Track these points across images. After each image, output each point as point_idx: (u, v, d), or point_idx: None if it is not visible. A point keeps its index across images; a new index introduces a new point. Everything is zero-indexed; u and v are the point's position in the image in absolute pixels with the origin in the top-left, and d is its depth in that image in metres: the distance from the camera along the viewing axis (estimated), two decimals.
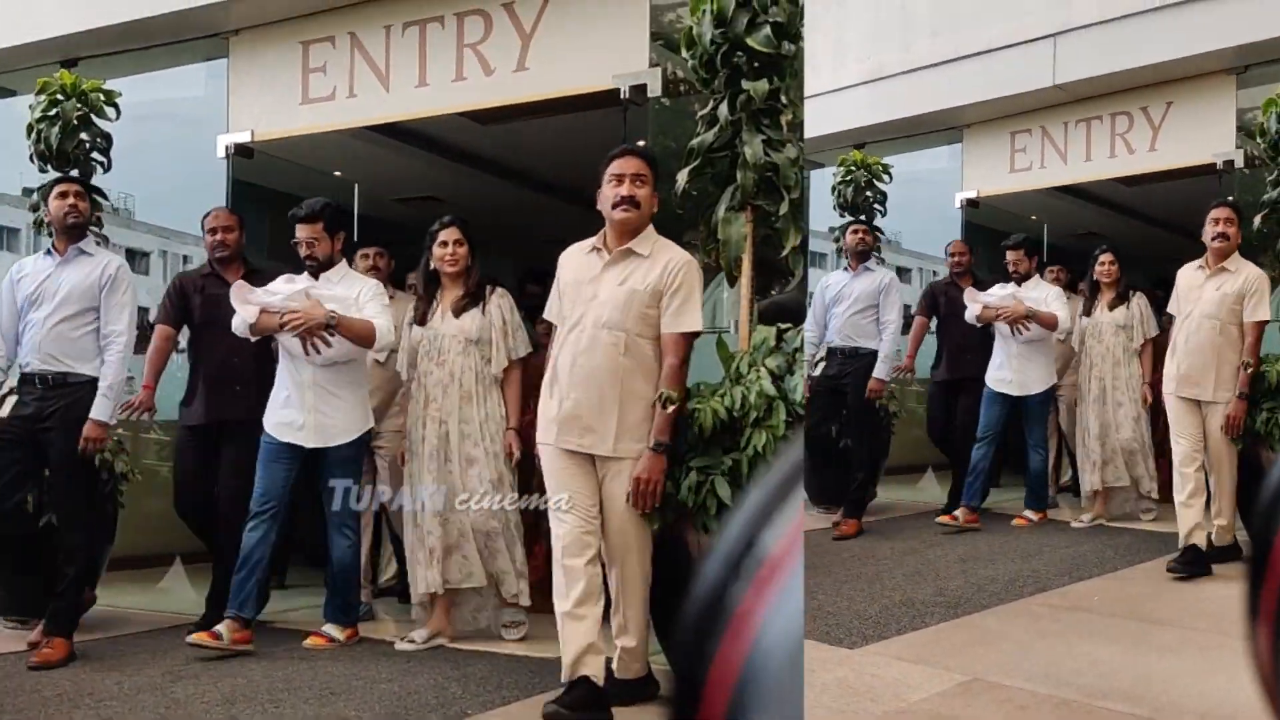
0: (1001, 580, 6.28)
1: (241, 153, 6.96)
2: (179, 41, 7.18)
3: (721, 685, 1.06)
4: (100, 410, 5.47)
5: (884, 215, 9.81)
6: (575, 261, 4.60)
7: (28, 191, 7.22)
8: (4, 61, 7.55)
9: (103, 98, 6.87)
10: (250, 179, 7.03)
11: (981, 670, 4.47)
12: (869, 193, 9.91)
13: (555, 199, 7.70)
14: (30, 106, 6.89)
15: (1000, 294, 8.29)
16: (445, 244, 5.67)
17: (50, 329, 5.50)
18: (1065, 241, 10.97)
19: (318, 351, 5.46)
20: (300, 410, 5.57)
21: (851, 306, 8.32)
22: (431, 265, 5.72)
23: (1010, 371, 8.41)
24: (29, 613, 5.93)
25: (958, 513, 8.31)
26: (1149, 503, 8.56)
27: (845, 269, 8.60)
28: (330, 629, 5.71)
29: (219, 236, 6.01)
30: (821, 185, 9.99)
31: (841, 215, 9.85)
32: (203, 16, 6.86)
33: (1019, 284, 8.44)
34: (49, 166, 6.78)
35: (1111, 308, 8.55)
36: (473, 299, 5.66)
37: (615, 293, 4.41)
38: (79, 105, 6.77)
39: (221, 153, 7.00)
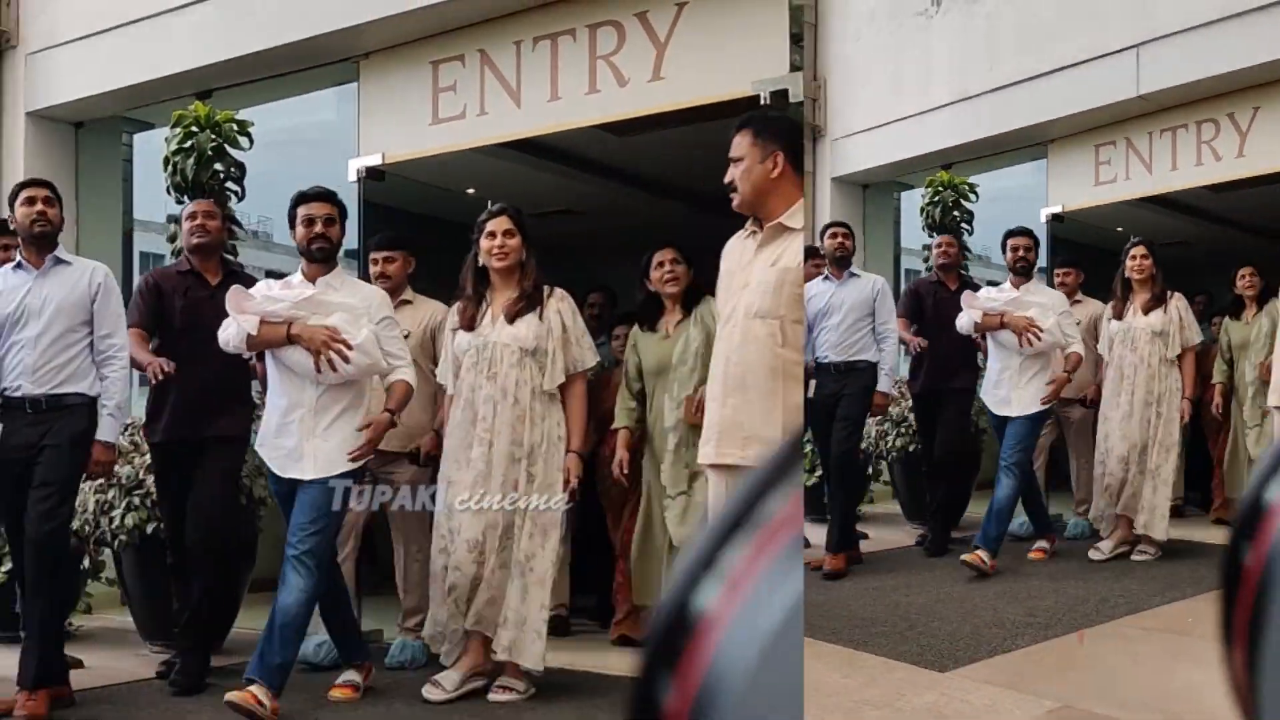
0: (1093, 600, 6.04)
1: (373, 175, 6.92)
2: (310, 68, 7.19)
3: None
4: (108, 431, 4.98)
5: (971, 234, 9.84)
6: (732, 250, 4.14)
7: (172, 219, 7.30)
8: (143, 95, 7.63)
9: (236, 128, 6.85)
10: (382, 201, 6.99)
11: (1073, 696, 4.33)
12: (956, 212, 9.94)
13: (694, 209, 7.62)
14: (166, 140, 6.89)
15: (1000, 298, 7.20)
16: (493, 235, 5.02)
17: (42, 349, 4.90)
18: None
19: (333, 369, 4.64)
20: (299, 437, 4.75)
21: (845, 318, 7.41)
22: (480, 261, 5.09)
23: (1007, 389, 7.20)
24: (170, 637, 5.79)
25: (983, 555, 6.88)
26: (1148, 544, 7.36)
27: (826, 278, 7.61)
28: (351, 675, 5.13)
29: (199, 221, 5.46)
30: (911, 205, 10.03)
31: (930, 235, 9.88)
32: (333, 42, 6.86)
33: (1022, 276, 7.31)
34: (185, 198, 6.69)
35: (1146, 311, 7.44)
36: (529, 302, 4.99)
37: (767, 275, 3.93)
38: (213, 136, 6.75)
39: (353, 176, 6.94)
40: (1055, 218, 10.37)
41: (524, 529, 4.87)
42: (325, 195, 5.04)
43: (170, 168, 6.82)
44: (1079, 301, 8.27)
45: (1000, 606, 5.75)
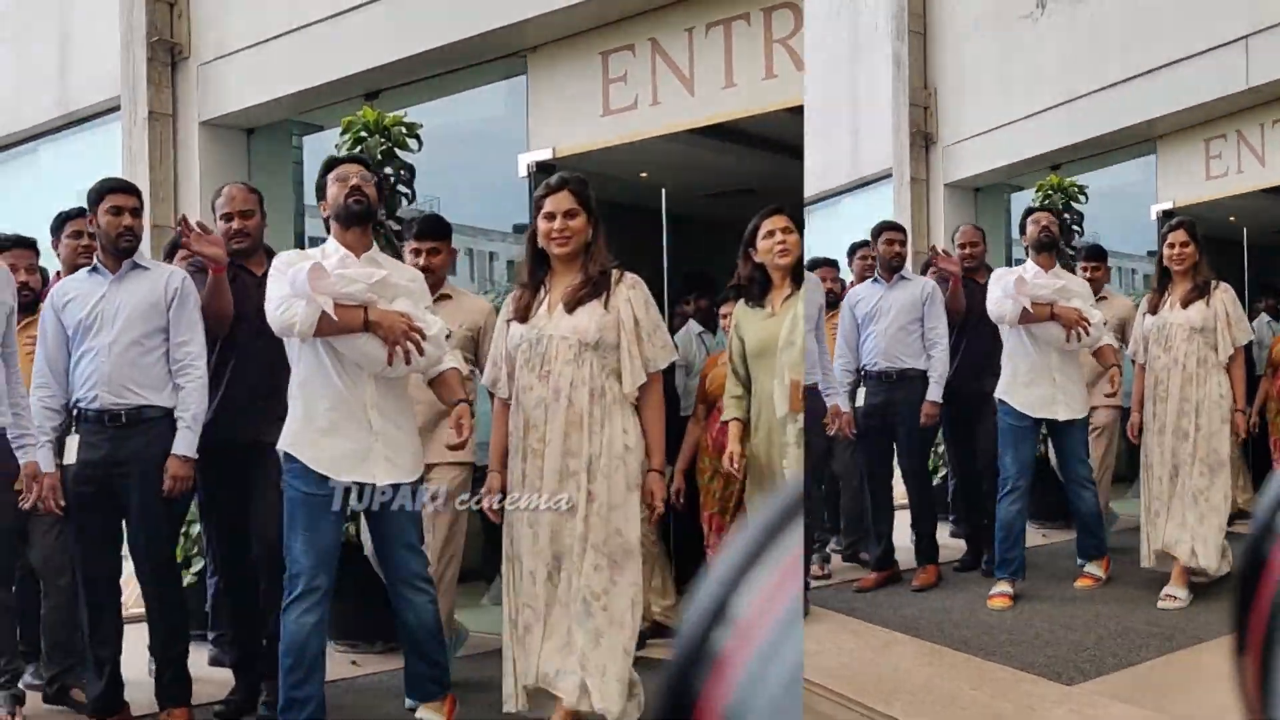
0: (1216, 607, 5.58)
1: (543, 170, 6.78)
2: (478, 64, 7.15)
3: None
4: (185, 445, 4.48)
5: (1081, 235, 9.84)
6: None
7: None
8: (311, 100, 7.66)
9: (404, 130, 6.71)
10: None
11: (1199, 713, 4.17)
12: (1066, 214, 9.97)
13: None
14: (336, 146, 6.75)
15: (1049, 285, 6.06)
16: (552, 216, 4.19)
17: (116, 356, 4.52)
18: (1268, 239, 10.81)
19: (406, 362, 4.01)
20: (364, 436, 4.06)
21: (893, 322, 6.71)
22: (538, 243, 4.27)
23: (1049, 387, 6.13)
24: (355, 636, 5.77)
25: (1006, 589, 6.06)
26: (1177, 588, 5.87)
27: (875, 280, 6.93)
28: (427, 713, 4.36)
29: (235, 224, 4.77)
30: (1022, 208, 10.04)
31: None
32: (501, 37, 6.81)
33: (1046, 251, 6.30)
34: None
35: (1186, 304, 6.03)
36: (593, 288, 4.15)
37: None
38: (382, 140, 6.63)
39: (523, 171, 6.89)
40: (1166, 214, 10.34)
41: (585, 559, 4.05)
42: (358, 159, 4.57)
43: None
44: (1104, 298, 7.34)
45: (1121, 615, 5.51)
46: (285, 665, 4.05)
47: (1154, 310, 6.20)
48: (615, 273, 4.20)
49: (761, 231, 5.01)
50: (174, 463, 4.45)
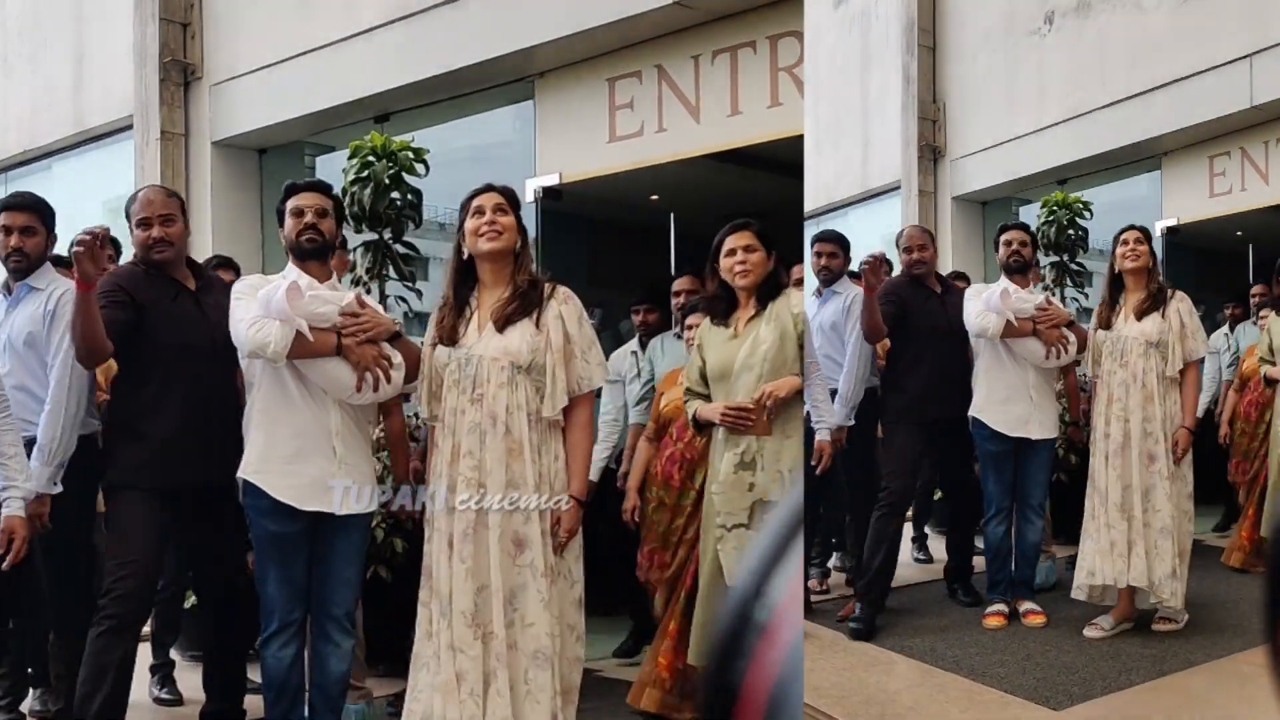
0: (1209, 631, 5.54)
1: (550, 195, 6.83)
2: (487, 89, 7.17)
3: None
4: (34, 481, 4.10)
5: (1085, 251, 9.84)
6: None
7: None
8: (323, 121, 7.68)
9: (411, 155, 6.64)
10: (559, 218, 6.92)
11: None
12: (1071, 231, 9.97)
13: None
14: (343, 170, 6.73)
15: (1032, 299, 5.79)
16: (481, 211, 3.87)
17: (12, 386, 4.23)
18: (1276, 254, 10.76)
19: (374, 389, 3.86)
20: (328, 464, 3.88)
21: (824, 339, 6.25)
22: (464, 252, 3.92)
23: (1025, 405, 5.78)
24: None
25: (1000, 608, 5.88)
26: (1175, 611, 5.54)
27: (815, 293, 6.44)
28: None
29: (155, 231, 4.10)
30: (1029, 222, 10.04)
31: (1045, 254, 9.90)
32: (510, 62, 6.82)
33: (1019, 274, 5.95)
34: (363, 227, 6.59)
35: (1140, 315, 5.57)
36: (522, 304, 3.84)
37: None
38: (389, 165, 6.57)
39: (531, 196, 6.85)
40: (1170, 230, 10.35)
41: (541, 597, 3.75)
42: (317, 186, 4.16)
43: (348, 198, 6.62)
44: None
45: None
46: (268, 699, 4.01)
47: (1106, 324, 5.66)
48: (547, 286, 3.90)
49: (724, 249, 4.48)
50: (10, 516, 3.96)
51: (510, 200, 3.93)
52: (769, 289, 4.44)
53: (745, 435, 4.26)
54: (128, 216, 4.20)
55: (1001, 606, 5.88)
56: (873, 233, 10.98)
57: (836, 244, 6.41)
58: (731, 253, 4.48)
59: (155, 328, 4.03)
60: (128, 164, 8.33)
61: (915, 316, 5.95)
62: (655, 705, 4.63)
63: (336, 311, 3.84)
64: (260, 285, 3.86)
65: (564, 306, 3.88)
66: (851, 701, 4.53)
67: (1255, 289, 8.51)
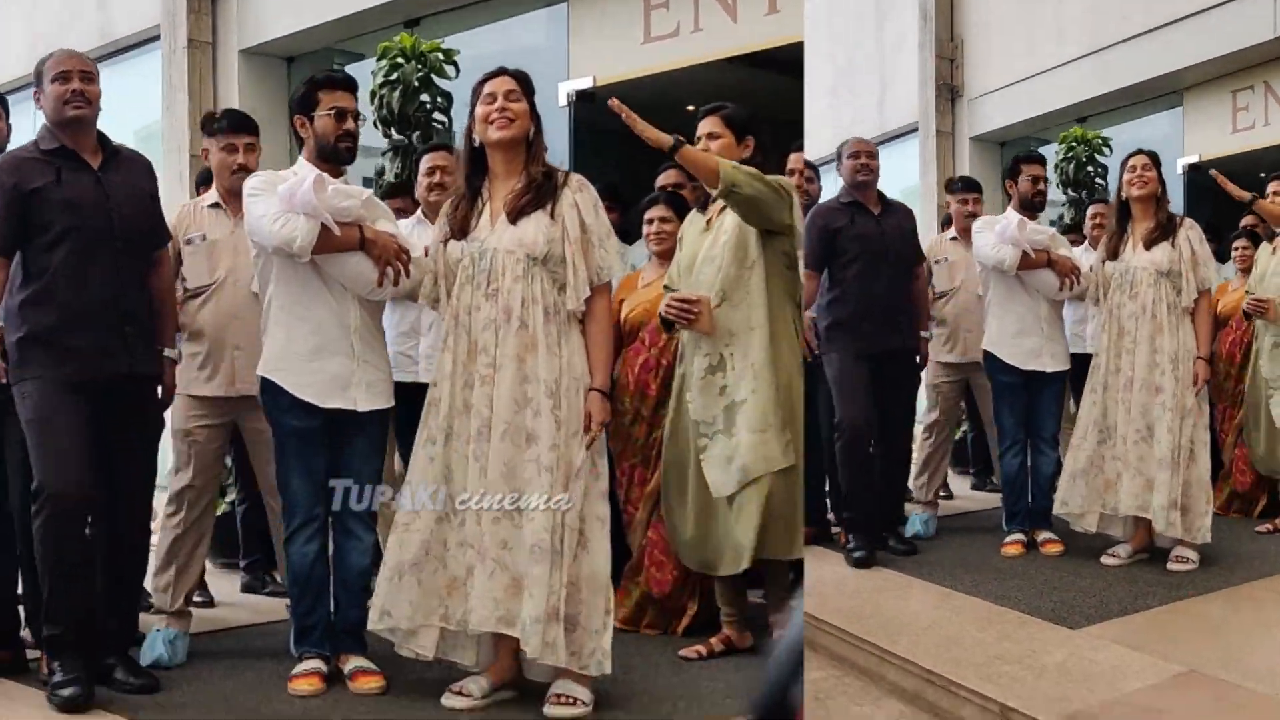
0: (1227, 561, 5.51)
1: (584, 99, 6.69)
2: None
3: None
4: None
5: (1105, 188, 9.78)
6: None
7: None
8: (351, 27, 7.53)
9: (442, 57, 6.61)
10: (594, 123, 6.73)
11: (1200, 662, 4.07)
12: (1090, 167, 9.92)
13: None
14: (372, 73, 6.68)
15: (1045, 230, 5.70)
16: (493, 97, 3.70)
17: None
18: None
19: (395, 283, 3.82)
20: (347, 361, 3.84)
21: None
22: (475, 141, 3.78)
23: (1038, 338, 5.68)
24: None
25: (1019, 538, 5.76)
26: (1187, 549, 5.34)
27: None
28: (361, 661, 3.93)
29: (75, 84, 3.81)
30: (1047, 160, 9.97)
31: (1064, 191, 9.86)
32: None
33: (1035, 212, 5.77)
34: (392, 131, 6.57)
35: (1149, 244, 5.36)
36: (537, 194, 3.69)
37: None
38: (419, 67, 6.55)
39: (563, 101, 6.74)
40: (1192, 167, 10.25)
41: (555, 491, 3.61)
42: (352, 85, 4.02)
43: (377, 101, 6.60)
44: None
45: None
46: (293, 596, 3.97)
47: (1113, 255, 5.49)
48: (560, 174, 3.77)
49: (696, 135, 4.23)
50: None
51: (524, 85, 3.75)
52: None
53: (702, 335, 4.06)
54: (38, 79, 3.88)
55: (1020, 536, 5.76)
56: (890, 176, 10.89)
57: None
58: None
59: (42, 211, 3.75)
60: (156, 75, 8.24)
61: (846, 240, 5.54)
62: (651, 623, 4.53)
63: (359, 205, 3.78)
64: (276, 182, 3.77)
65: (579, 195, 3.72)
66: (870, 622, 4.52)
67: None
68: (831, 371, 5.51)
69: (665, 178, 4.85)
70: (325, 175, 3.76)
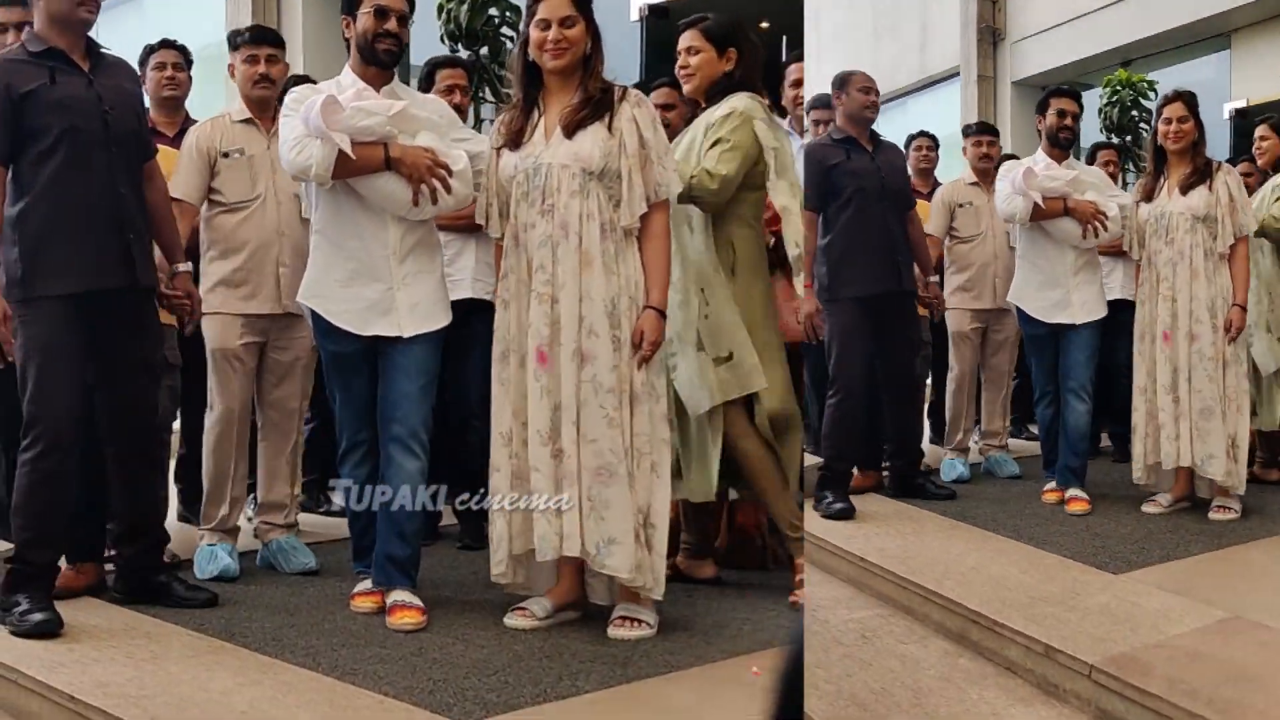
0: (1271, 510, 5.47)
1: (656, 13, 6.51)
2: None
3: None
4: None
5: (1149, 133, 9.59)
6: None
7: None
8: None
9: None
10: (667, 39, 6.74)
11: (1243, 607, 4.06)
12: (1135, 112, 9.73)
13: None
14: None
15: (1060, 177, 5.43)
16: (546, 24, 3.59)
17: None
18: None
19: (433, 201, 3.65)
20: (385, 287, 3.71)
21: None
22: (529, 56, 3.67)
23: (1064, 290, 5.52)
24: None
25: (1074, 493, 5.56)
26: (1230, 499, 5.28)
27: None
28: (402, 595, 3.77)
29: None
30: (1091, 105, 9.81)
31: (1108, 136, 9.66)
32: None
33: (1064, 150, 5.60)
34: (459, 46, 6.41)
35: (1185, 189, 5.27)
36: (594, 109, 3.60)
37: None
38: None
39: (635, 15, 6.58)
40: (1239, 112, 10.05)
41: (626, 409, 3.60)
42: None
43: (443, 15, 6.49)
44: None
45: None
46: (350, 516, 3.99)
47: (1149, 198, 5.39)
48: (618, 89, 3.65)
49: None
50: None
51: (578, 3, 3.61)
52: (718, 91, 4.06)
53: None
54: None
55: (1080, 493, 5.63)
56: (931, 121, 10.74)
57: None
58: (678, 54, 4.15)
59: (37, 114, 3.59)
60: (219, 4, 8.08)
61: (841, 176, 5.34)
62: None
63: (384, 121, 3.58)
64: (308, 97, 3.63)
65: (637, 110, 3.62)
66: (915, 562, 4.56)
67: None
68: (833, 324, 5.30)
69: (657, 96, 4.62)
70: (349, 93, 3.63)
